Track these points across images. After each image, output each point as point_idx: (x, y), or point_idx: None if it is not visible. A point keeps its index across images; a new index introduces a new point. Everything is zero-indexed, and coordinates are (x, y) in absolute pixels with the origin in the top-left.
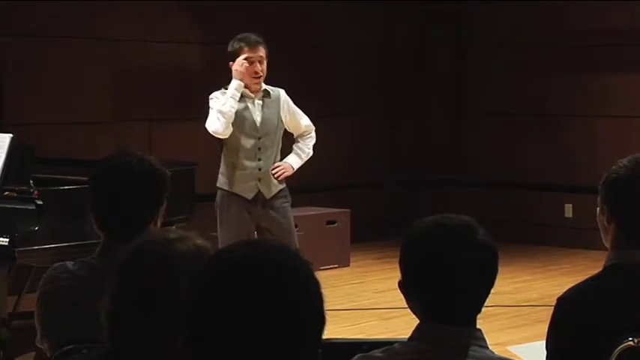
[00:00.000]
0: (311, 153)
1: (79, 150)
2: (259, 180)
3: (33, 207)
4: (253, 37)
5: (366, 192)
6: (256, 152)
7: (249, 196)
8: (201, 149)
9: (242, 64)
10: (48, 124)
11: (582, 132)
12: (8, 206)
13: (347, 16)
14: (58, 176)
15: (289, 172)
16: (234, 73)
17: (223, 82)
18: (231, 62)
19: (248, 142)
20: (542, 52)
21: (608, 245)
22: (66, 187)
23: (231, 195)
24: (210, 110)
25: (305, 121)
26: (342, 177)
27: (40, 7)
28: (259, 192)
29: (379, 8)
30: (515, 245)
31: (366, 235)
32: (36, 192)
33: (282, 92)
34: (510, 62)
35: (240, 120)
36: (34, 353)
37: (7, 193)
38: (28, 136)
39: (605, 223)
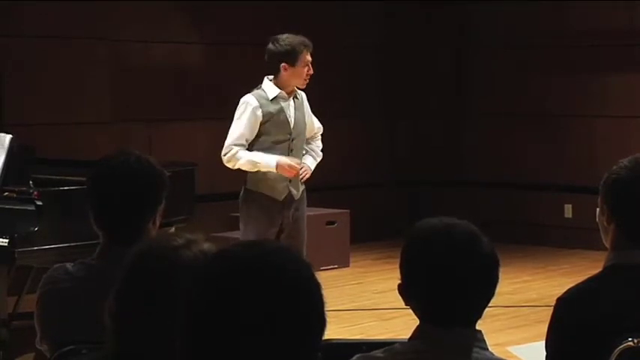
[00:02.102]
0: (321, 155)
1: (79, 150)
2: (290, 181)
3: (32, 207)
4: (308, 40)
5: (366, 192)
6: (288, 153)
7: (281, 197)
8: (201, 150)
9: (304, 70)
10: (48, 124)
11: (582, 132)
12: (8, 207)
13: (347, 16)
14: (58, 177)
15: (309, 174)
16: (289, 74)
17: (223, 82)
18: (284, 63)
19: (282, 144)
20: (542, 52)
21: (607, 245)
22: (65, 188)
23: (260, 196)
24: (236, 121)
25: (317, 123)
26: (341, 177)
27: (40, 7)
28: (289, 193)
29: (379, 8)
30: (515, 245)
31: (366, 236)
32: (35, 192)
33: (303, 94)
34: (510, 62)
35: (277, 121)
36: (33, 354)
37: (6, 193)
38: (28, 136)
39: (605, 223)
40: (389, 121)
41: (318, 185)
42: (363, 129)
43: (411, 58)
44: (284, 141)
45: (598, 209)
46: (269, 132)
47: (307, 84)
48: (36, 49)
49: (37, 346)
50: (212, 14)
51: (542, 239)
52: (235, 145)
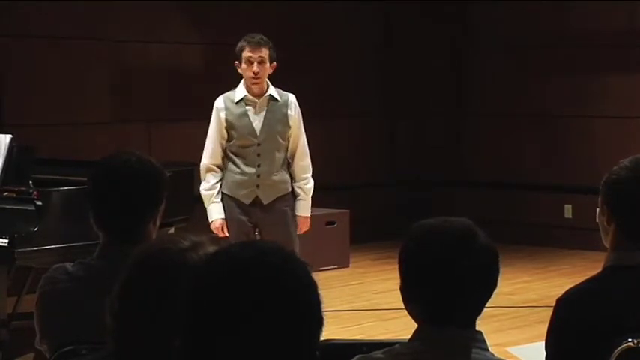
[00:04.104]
0: (310, 190)
1: (79, 150)
2: (257, 186)
3: (32, 208)
4: (257, 37)
5: (366, 192)
6: (255, 158)
7: (247, 201)
8: (201, 150)
9: (246, 67)
10: (48, 124)
11: (582, 132)
12: (8, 207)
13: (347, 16)
14: (58, 177)
15: (307, 225)
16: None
17: (223, 83)
18: (236, 62)
19: (247, 148)
20: (542, 52)
21: (607, 246)
22: (65, 188)
23: (230, 198)
24: (210, 128)
25: (302, 148)
26: (341, 177)
27: (40, 7)
28: (257, 198)
29: (379, 8)
30: (515, 246)
31: (366, 236)
32: (35, 192)
33: (291, 97)
34: (510, 62)
35: (238, 125)
36: (33, 354)
37: (6, 193)
38: (28, 136)
39: (605, 223)
40: (389, 121)
41: (318, 185)
42: (363, 129)
43: (411, 58)
44: (250, 146)
45: (598, 209)
46: (233, 136)
47: (309, 85)
48: (36, 49)
49: (37, 346)
50: (212, 14)
51: (542, 239)
52: (210, 165)
